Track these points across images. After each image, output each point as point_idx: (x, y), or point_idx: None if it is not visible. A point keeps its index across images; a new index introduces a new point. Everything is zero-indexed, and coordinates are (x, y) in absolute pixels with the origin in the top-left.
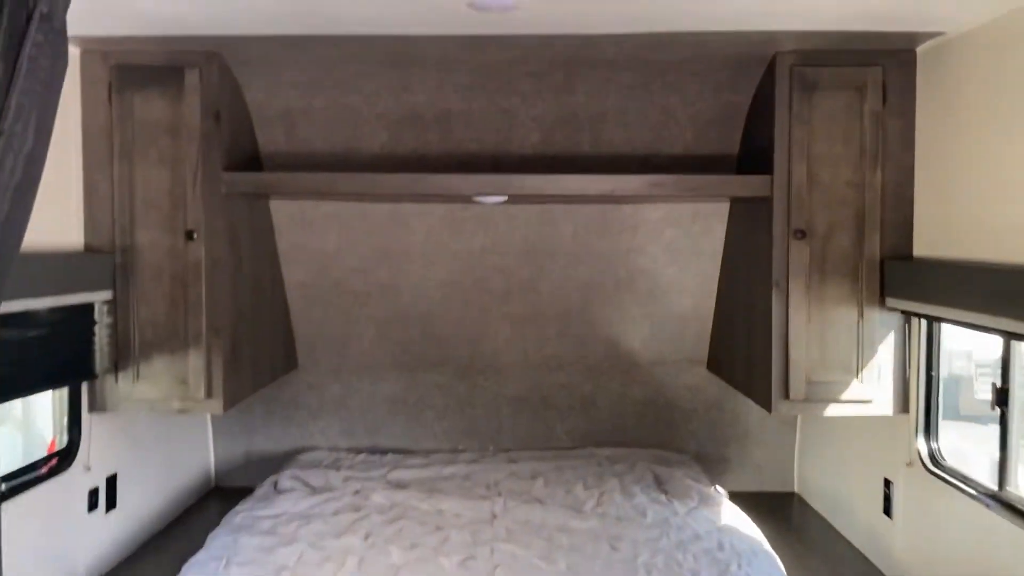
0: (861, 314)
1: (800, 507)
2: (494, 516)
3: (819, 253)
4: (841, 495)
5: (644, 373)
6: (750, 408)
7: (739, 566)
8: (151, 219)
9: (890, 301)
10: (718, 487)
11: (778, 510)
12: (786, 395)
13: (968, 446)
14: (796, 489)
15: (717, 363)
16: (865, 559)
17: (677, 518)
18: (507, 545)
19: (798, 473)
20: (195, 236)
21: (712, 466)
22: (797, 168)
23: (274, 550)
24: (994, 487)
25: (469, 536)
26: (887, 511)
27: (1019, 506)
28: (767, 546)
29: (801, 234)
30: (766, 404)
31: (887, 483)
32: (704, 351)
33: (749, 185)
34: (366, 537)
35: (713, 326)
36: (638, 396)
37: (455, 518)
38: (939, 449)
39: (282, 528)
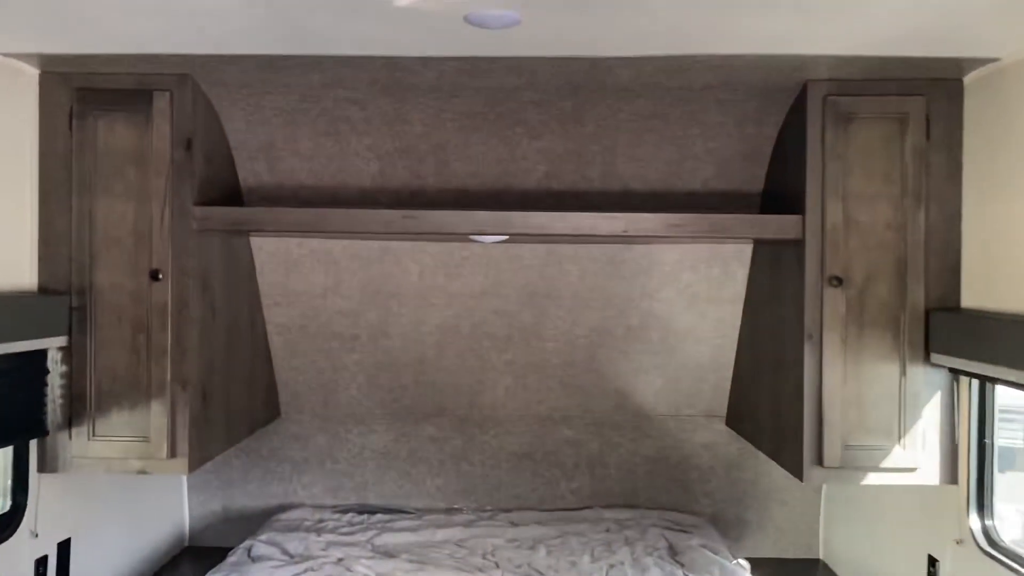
0: (903, 371)
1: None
2: None
3: (856, 302)
4: (876, 569)
5: (656, 428)
6: (772, 465)
7: None
8: (113, 258)
9: (935, 357)
10: (741, 560)
11: None
12: (819, 461)
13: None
14: (821, 556)
15: (738, 419)
16: None
17: None
18: None
19: (823, 538)
20: (160, 276)
21: (730, 530)
22: (832, 208)
23: None
24: None
25: None
26: None
27: None
28: None
29: (837, 281)
30: (796, 471)
31: (932, 561)
32: (723, 405)
33: (779, 226)
34: None
35: (733, 378)
36: (650, 453)
37: None
38: (995, 527)
39: None
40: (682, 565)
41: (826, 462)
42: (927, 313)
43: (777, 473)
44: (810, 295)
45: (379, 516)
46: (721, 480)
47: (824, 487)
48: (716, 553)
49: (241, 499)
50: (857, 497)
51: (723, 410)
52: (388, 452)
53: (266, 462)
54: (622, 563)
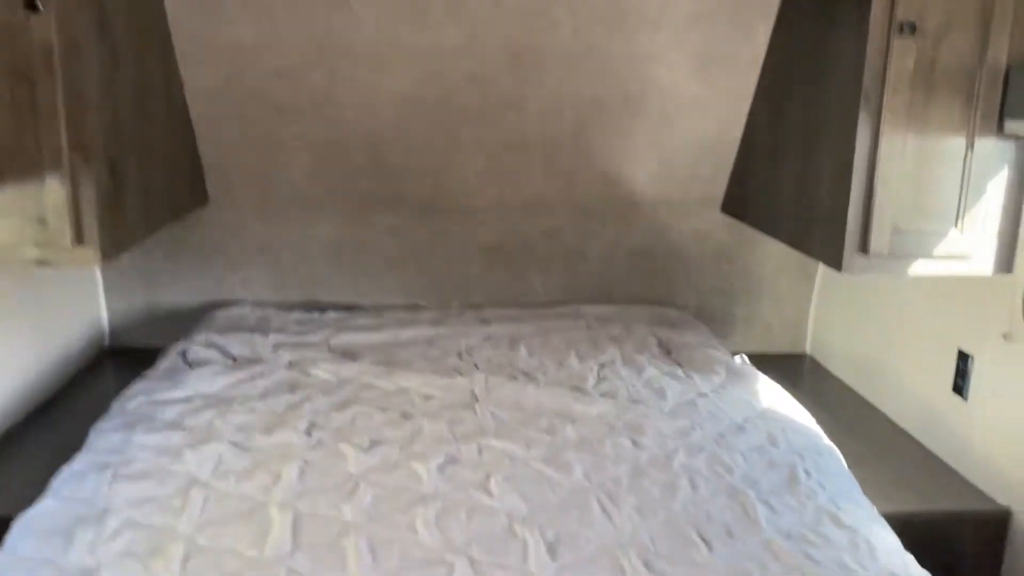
0: (971, 144)
1: (815, 370)
2: (475, 399)
3: (928, 57)
4: (880, 365)
5: (645, 216)
6: (765, 256)
7: (807, 472)
8: None
9: (1010, 125)
10: (743, 356)
11: (790, 374)
12: (864, 248)
13: None
14: (809, 350)
15: (740, 204)
16: (913, 440)
17: (705, 400)
18: (499, 442)
19: (813, 332)
20: (39, 6)
21: (715, 324)
22: None
23: (180, 454)
24: None
25: (446, 428)
26: (959, 390)
27: None
28: (825, 438)
29: (909, 28)
30: (834, 260)
31: (963, 357)
32: (720, 189)
33: None
34: (308, 431)
35: (738, 159)
36: (635, 244)
37: (424, 402)
38: None
39: (192, 419)
40: (680, 364)
41: (872, 249)
42: (1008, 71)
43: (769, 264)
44: (873, 45)
45: (332, 314)
46: (709, 272)
47: (818, 279)
48: (713, 348)
49: (168, 295)
50: (858, 290)
51: (719, 194)
52: (339, 244)
53: (195, 254)
54: (613, 362)
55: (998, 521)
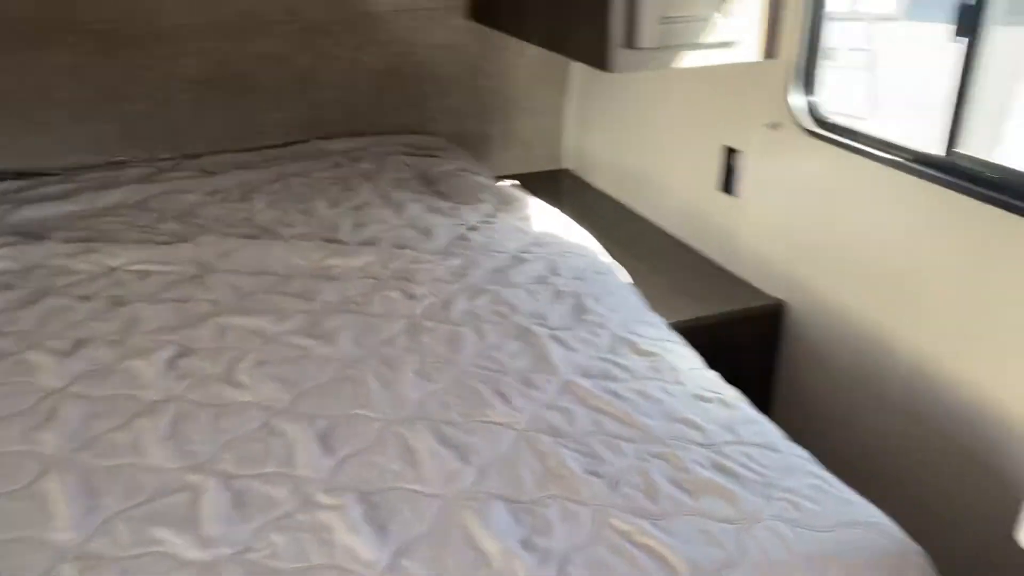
0: None
1: (576, 185)
2: (206, 269)
3: None
4: (645, 171)
5: (384, 30)
6: (516, 68)
7: (595, 298)
8: None
9: None
10: (512, 181)
11: (552, 192)
12: (630, 43)
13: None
14: (569, 165)
15: (489, 6)
16: (685, 245)
17: (476, 233)
18: (242, 319)
19: (572, 145)
20: None
21: (472, 148)
22: None
23: None
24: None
25: (172, 311)
26: (728, 187)
27: (976, 169)
28: (607, 256)
29: None
30: (599, 58)
31: (731, 153)
32: None
33: None
34: None
35: None
36: (376, 65)
37: (140, 281)
38: (819, 104)
39: None
40: (443, 195)
41: (640, 42)
42: None
43: (523, 77)
44: None
45: (7, 184)
46: (463, 92)
47: (577, 87)
48: (478, 176)
49: None
50: (617, 95)
51: None
52: (1, 92)
53: None
54: (368, 204)
55: (773, 314)
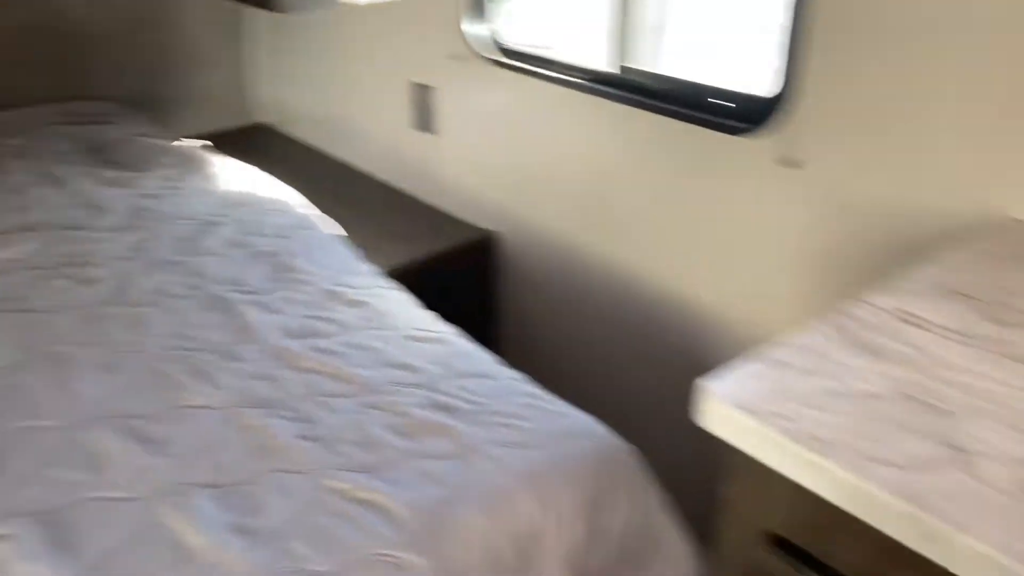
0: None
1: (273, 139)
2: None
3: None
4: (340, 117)
5: None
6: (191, 18)
7: (297, 255)
8: None
9: None
10: (198, 140)
11: (246, 149)
12: None
13: None
14: (264, 119)
15: None
16: (391, 188)
17: (158, 202)
18: None
19: (261, 97)
20: None
21: (150, 112)
22: None
23: None
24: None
25: None
26: (427, 124)
27: (644, 81)
28: (313, 210)
29: None
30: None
31: (423, 90)
32: None
33: None
34: None
35: None
36: (8, 21)
37: None
38: (498, 31)
39: None
40: (117, 164)
41: None
42: None
43: (191, 27)
44: None
45: None
46: (126, 48)
47: (261, 34)
48: (155, 139)
49: None
50: (310, 47)
51: None
52: None
53: None
54: (25, 185)
55: (485, 246)
